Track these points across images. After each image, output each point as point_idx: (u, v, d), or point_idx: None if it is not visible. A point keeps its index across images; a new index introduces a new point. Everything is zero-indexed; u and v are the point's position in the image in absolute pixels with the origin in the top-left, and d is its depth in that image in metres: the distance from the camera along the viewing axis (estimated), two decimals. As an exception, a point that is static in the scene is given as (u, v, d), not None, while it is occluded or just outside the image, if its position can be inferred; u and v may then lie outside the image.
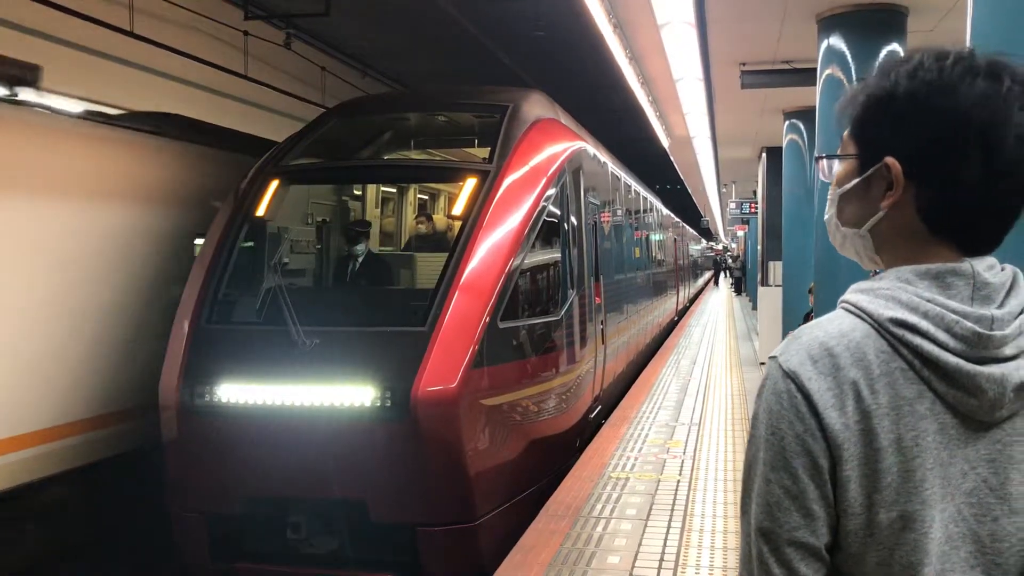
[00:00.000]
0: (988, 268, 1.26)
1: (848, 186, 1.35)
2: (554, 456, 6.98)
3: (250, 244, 6.84)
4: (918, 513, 1.20)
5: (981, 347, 1.21)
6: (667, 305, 18.68)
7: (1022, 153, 1.21)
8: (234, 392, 5.79)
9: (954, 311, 1.22)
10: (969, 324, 1.21)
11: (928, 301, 1.23)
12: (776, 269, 16.88)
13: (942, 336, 1.21)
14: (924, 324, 1.21)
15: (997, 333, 1.21)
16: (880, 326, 1.23)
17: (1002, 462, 1.23)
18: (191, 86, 13.04)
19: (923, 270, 1.26)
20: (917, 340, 1.21)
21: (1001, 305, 1.24)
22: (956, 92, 1.22)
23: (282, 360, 5.78)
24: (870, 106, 1.31)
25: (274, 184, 6.95)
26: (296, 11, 13.63)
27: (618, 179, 11.77)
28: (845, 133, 1.37)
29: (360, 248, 7.39)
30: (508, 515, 6.03)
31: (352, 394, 5.59)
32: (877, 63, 1.38)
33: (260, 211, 6.80)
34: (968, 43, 4.02)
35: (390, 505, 5.65)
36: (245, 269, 6.70)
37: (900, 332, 1.22)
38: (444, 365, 5.58)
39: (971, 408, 1.21)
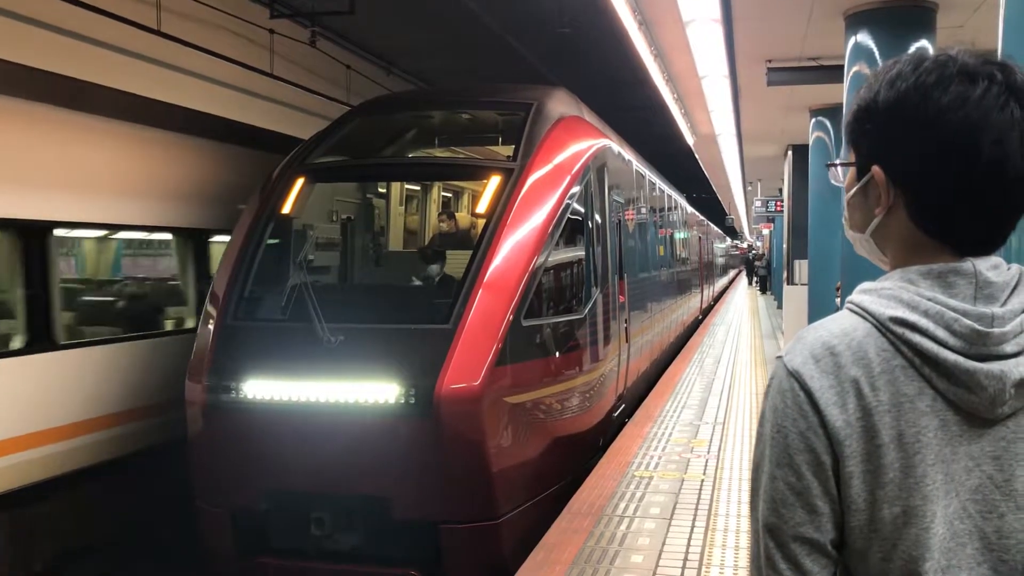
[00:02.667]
0: (992, 267, 1.28)
1: (850, 194, 1.40)
2: (577, 455, 6.98)
3: (276, 241, 6.89)
4: (919, 508, 1.22)
5: (980, 344, 1.22)
6: (691, 303, 18.59)
7: (1000, 155, 1.22)
8: (259, 388, 5.84)
9: (954, 309, 1.23)
10: (968, 322, 1.22)
11: (929, 300, 1.25)
12: (802, 268, 16.77)
13: (941, 334, 1.22)
14: (924, 322, 1.23)
15: (996, 330, 1.22)
16: (881, 325, 1.25)
17: (1007, 459, 1.24)
18: (217, 84, 13.15)
19: (926, 270, 1.28)
20: (917, 338, 1.23)
21: (1004, 303, 1.25)
22: (930, 98, 1.24)
23: (307, 357, 5.81)
24: (859, 116, 1.34)
25: (300, 182, 6.98)
26: (321, 9, 13.69)
27: (642, 177, 11.73)
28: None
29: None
30: (531, 513, 6.03)
31: (376, 391, 5.62)
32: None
33: (286, 208, 6.85)
34: (999, 37, 3.96)
35: (413, 502, 5.67)
36: (271, 266, 6.74)
37: (900, 330, 1.24)
38: (468, 363, 5.60)
39: (972, 405, 1.23)
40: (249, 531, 5.99)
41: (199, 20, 12.24)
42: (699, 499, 6.01)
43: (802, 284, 16.11)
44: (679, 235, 17.30)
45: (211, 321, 6.28)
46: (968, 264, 1.27)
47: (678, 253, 16.77)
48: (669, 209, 15.53)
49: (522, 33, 15.74)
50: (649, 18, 9.73)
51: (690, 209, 21.57)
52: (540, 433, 6.31)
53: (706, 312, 23.75)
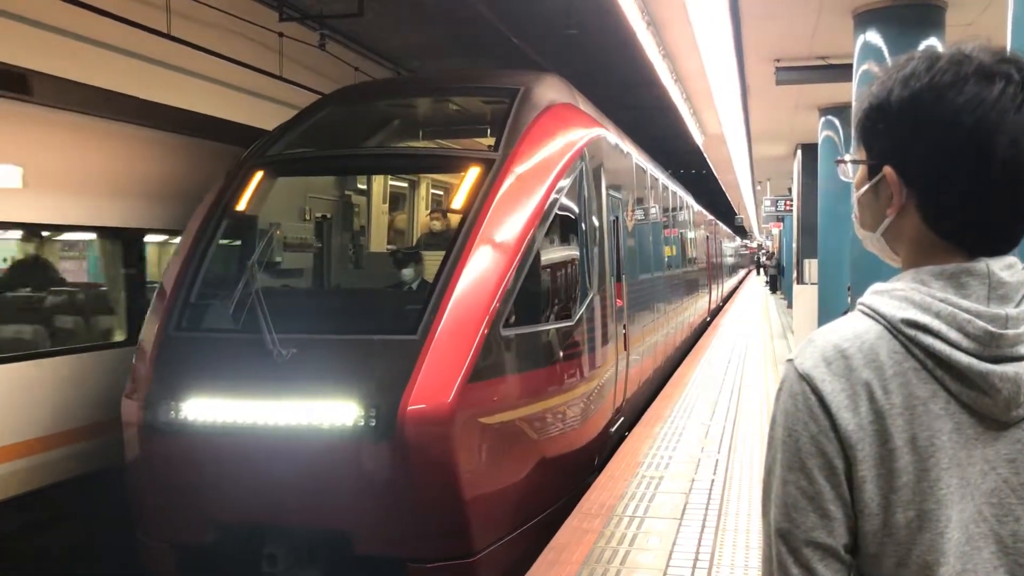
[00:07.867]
0: (1006, 267, 1.23)
1: (859, 192, 1.35)
2: (566, 478, 6.15)
3: (228, 242, 6.16)
4: (933, 512, 1.17)
5: (994, 346, 1.17)
6: (698, 306, 17.64)
7: (1015, 156, 1.18)
8: (203, 408, 5.07)
9: (967, 310, 1.19)
10: (981, 323, 1.18)
11: (941, 301, 1.20)
12: (812, 267, 16.79)
13: (954, 335, 1.18)
14: (936, 324, 1.19)
15: (1011, 331, 1.18)
16: (893, 327, 1.21)
17: (1023, 462, 1.20)
18: (226, 87, 13.19)
19: (939, 271, 1.23)
20: (929, 340, 1.18)
21: (1019, 304, 1.20)
22: (945, 99, 1.20)
23: (256, 372, 5.05)
24: (870, 115, 1.29)
25: (258, 176, 6.21)
26: (330, 12, 13.72)
27: (643, 171, 10.82)
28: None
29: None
30: (512, 547, 5.26)
31: (332, 411, 4.86)
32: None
33: (241, 205, 6.07)
34: (1008, 36, 3.95)
35: (377, 536, 4.90)
36: (221, 269, 6.01)
37: (912, 332, 1.19)
38: (437, 378, 4.84)
39: (986, 407, 1.18)
40: (194, 568, 5.24)
41: (209, 24, 12.29)
42: (709, 499, 5.92)
43: (812, 283, 16.08)
44: (685, 234, 16.42)
45: (152, 331, 5.51)
46: (981, 264, 1.22)
47: (684, 253, 15.90)
48: (674, 207, 14.71)
49: (530, 34, 15.73)
50: (656, 18, 9.72)
51: (697, 207, 20.56)
52: (523, 457, 5.48)
53: (715, 313, 23.08)
